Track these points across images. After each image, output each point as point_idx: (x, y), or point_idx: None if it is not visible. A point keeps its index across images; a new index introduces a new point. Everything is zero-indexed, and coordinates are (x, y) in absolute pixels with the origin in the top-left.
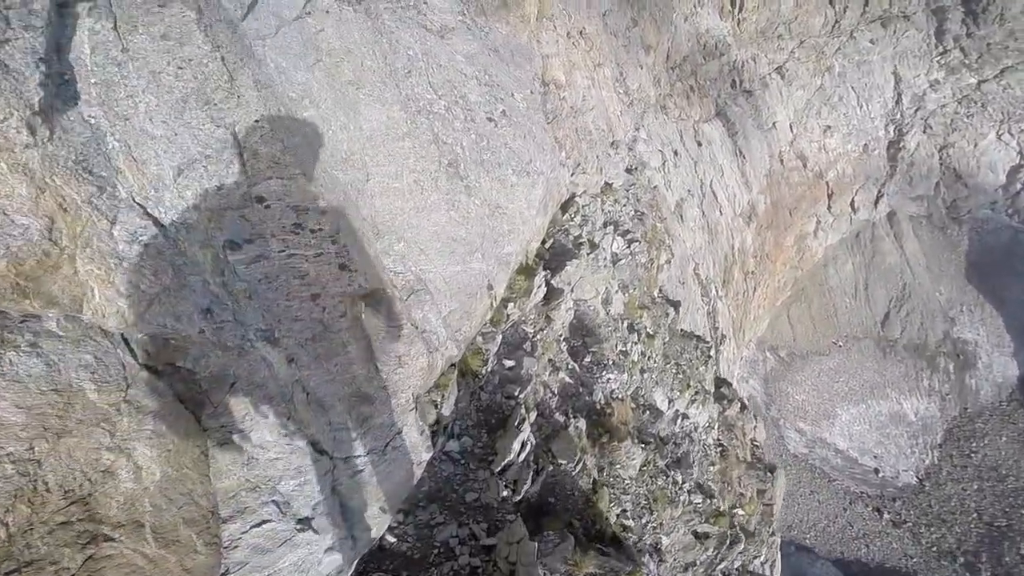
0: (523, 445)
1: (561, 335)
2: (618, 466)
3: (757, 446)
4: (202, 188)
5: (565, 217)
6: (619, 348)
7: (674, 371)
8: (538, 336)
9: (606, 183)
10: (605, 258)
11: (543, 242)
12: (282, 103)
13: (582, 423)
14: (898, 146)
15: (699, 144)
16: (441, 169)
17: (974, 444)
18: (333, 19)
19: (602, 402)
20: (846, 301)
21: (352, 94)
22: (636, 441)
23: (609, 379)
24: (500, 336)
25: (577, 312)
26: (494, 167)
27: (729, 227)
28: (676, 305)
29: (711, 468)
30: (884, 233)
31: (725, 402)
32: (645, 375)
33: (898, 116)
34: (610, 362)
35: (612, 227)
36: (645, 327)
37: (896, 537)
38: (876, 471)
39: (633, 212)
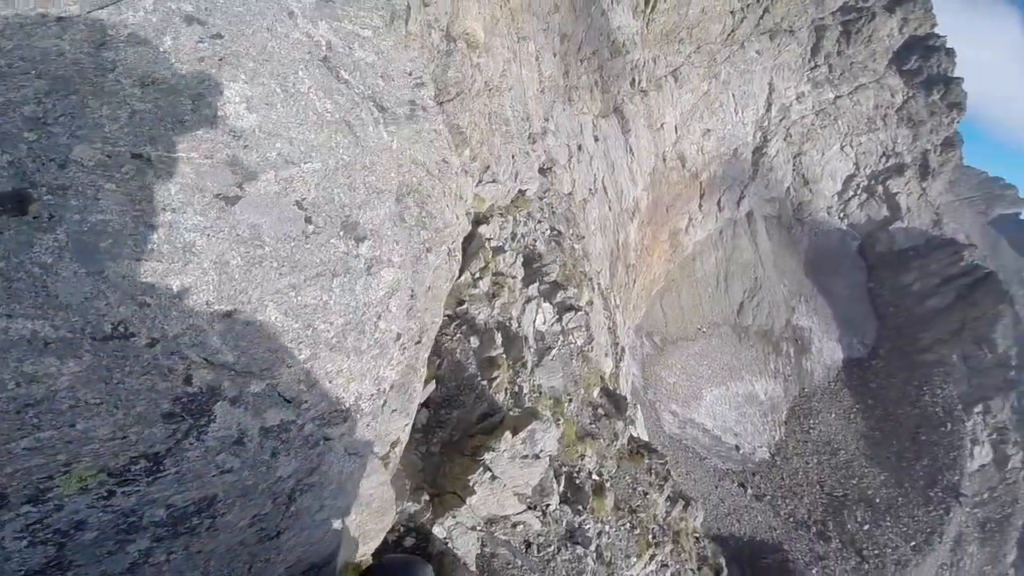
0: None
1: None
2: None
3: (698, 539)
4: None
5: (464, 279)
6: None
7: (628, 526)
8: None
9: (519, 191)
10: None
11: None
12: None
13: None
14: (762, 151)
15: (596, 139)
16: None
17: (811, 421)
18: None
19: None
20: (709, 292)
21: None
22: None
23: None
24: None
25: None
26: None
27: (616, 222)
28: (622, 406)
29: None
30: (743, 231)
31: (668, 504)
32: None
33: (766, 124)
34: None
35: (536, 282)
36: (591, 475)
37: (760, 510)
38: (737, 448)
39: (549, 231)
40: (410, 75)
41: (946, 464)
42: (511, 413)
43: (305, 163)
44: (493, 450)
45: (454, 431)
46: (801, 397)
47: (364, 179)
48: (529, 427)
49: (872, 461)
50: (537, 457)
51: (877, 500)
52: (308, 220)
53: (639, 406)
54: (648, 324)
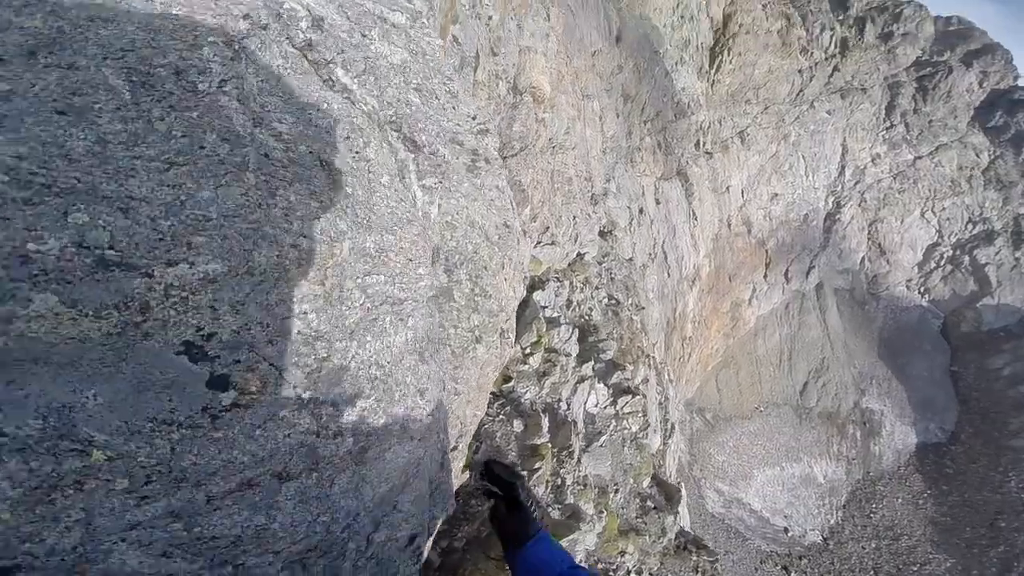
0: None
1: None
2: None
3: None
4: None
5: (513, 353)
6: None
7: None
8: None
9: (578, 254)
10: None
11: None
12: None
13: None
14: (834, 218)
15: (657, 202)
16: None
17: (874, 505)
18: None
19: None
20: (770, 371)
21: None
22: None
23: None
24: None
25: None
26: None
27: (674, 290)
28: (674, 497)
29: None
30: (811, 305)
31: None
32: None
33: (839, 188)
34: None
35: (592, 360)
36: (627, 570)
37: None
38: (786, 530)
39: (606, 300)
40: (473, 119)
41: None
42: (551, 512)
43: (180, 263)
44: None
45: (483, 526)
46: (865, 481)
47: (359, 282)
48: (571, 536)
49: (939, 548)
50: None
51: None
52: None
53: (683, 483)
54: (700, 400)
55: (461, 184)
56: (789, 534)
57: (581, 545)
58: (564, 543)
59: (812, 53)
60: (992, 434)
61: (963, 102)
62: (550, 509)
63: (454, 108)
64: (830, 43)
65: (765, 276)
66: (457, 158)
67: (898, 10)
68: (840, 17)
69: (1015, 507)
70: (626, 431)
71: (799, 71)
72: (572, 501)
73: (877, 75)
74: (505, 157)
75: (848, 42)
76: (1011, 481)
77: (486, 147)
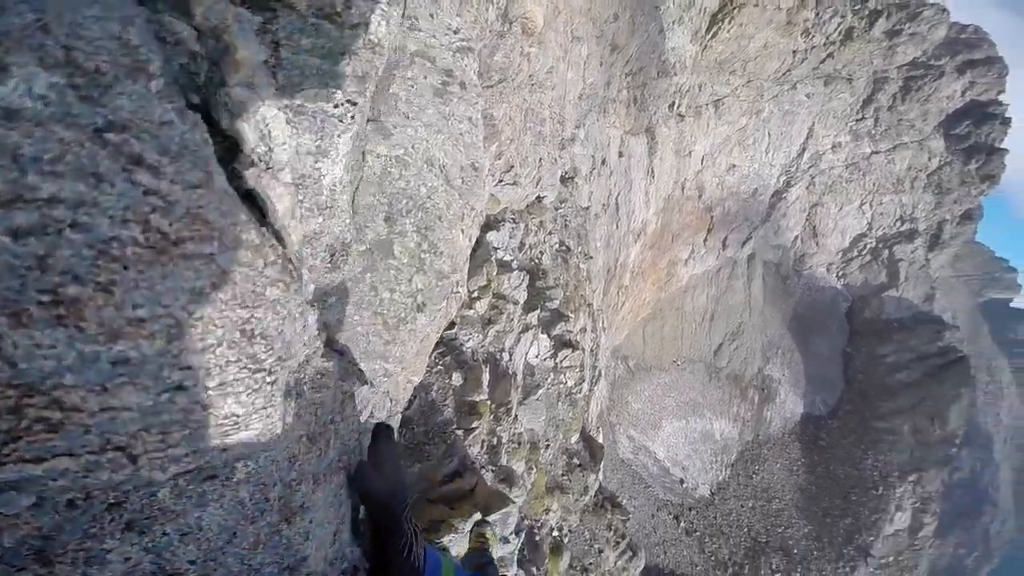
0: None
1: None
2: None
3: None
4: None
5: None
6: None
7: None
8: None
9: (537, 197)
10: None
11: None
12: None
13: None
14: (781, 196)
15: (620, 155)
16: None
17: (757, 467)
18: None
19: None
20: (692, 328)
21: None
22: None
23: None
24: None
25: None
26: None
27: (619, 242)
28: (597, 455)
29: None
30: (740, 272)
31: (617, 557)
32: None
33: (793, 169)
34: None
35: (538, 309)
36: (552, 531)
37: (687, 545)
38: (681, 481)
39: (558, 245)
40: (456, 33)
41: (866, 525)
42: (484, 476)
43: None
44: (456, 531)
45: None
46: (754, 443)
47: None
48: (505, 509)
49: (802, 513)
50: (507, 541)
51: (795, 551)
52: None
53: (601, 428)
54: (626, 347)
55: (424, 110)
56: (684, 485)
57: (512, 517)
58: (498, 516)
59: (813, 36)
60: (865, 414)
61: (938, 107)
62: (484, 471)
63: (431, 15)
64: (835, 30)
65: (705, 240)
66: (425, 77)
67: (918, 10)
68: (856, 6)
69: (866, 483)
70: (562, 385)
71: (793, 51)
72: (506, 462)
73: (869, 68)
74: (489, 84)
75: (853, 32)
76: (868, 459)
77: (464, 69)
